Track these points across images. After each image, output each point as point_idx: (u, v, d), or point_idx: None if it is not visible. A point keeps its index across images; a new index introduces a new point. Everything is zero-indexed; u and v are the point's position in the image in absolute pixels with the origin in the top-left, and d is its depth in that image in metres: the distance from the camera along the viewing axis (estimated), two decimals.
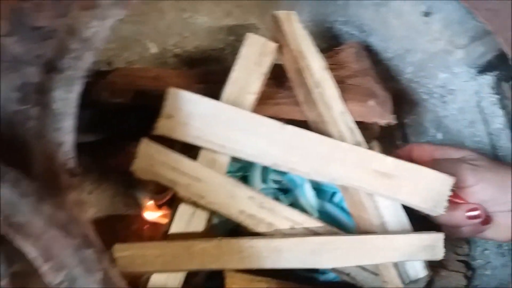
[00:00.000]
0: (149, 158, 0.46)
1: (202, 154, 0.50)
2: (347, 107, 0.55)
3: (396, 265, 0.48)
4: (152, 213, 0.59)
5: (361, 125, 0.57)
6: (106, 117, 0.64)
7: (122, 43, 0.67)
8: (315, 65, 0.56)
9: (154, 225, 0.60)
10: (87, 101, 0.59)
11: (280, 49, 0.58)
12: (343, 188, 0.52)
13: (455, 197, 0.52)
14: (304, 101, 0.57)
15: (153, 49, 0.70)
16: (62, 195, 0.34)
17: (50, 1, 0.38)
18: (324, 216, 0.55)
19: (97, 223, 0.61)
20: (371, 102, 0.58)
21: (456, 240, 0.51)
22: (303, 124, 0.54)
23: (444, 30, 0.68)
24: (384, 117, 0.57)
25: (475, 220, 0.51)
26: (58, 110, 0.37)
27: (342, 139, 0.52)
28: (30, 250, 0.31)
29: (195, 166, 0.47)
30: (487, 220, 0.52)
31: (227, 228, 0.53)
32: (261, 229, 0.47)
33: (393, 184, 0.49)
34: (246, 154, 0.50)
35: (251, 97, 0.53)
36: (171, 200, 0.59)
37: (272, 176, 0.57)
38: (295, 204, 0.55)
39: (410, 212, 0.51)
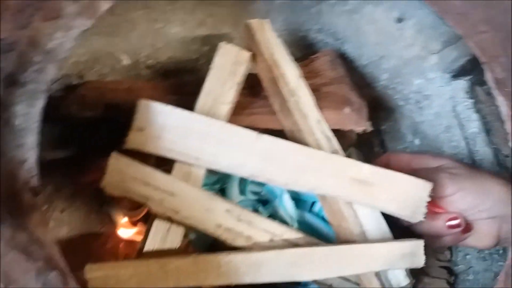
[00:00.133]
0: (120, 173, 0.44)
1: (177, 167, 0.49)
2: (323, 115, 0.55)
3: (378, 274, 0.47)
4: (127, 230, 0.57)
5: (338, 133, 0.56)
6: (78, 132, 0.62)
7: (93, 56, 0.66)
8: (290, 73, 0.55)
9: (130, 242, 0.58)
10: (56, 116, 0.58)
11: (254, 58, 0.57)
12: (321, 197, 0.51)
13: (435, 207, 0.52)
14: (280, 110, 0.56)
15: (126, 61, 0.68)
16: (24, 215, 0.32)
17: (9, 12, 0.36)
18: (304, 226, 0.54)
19: (70, 242, 0.59)
20: (347, 110, 0.57)
21: (439, 248, 0.51)
22: (279, 133, 0.53)
23: (418, 36, 0.69)
24: (360, 124, 0.57)
25: (456, 229, 0.51)
26: (19, 125, 0.35)
27: (319, 147, 0.51)
28: None
29: (168, 180, 0.46)
30: (467, 228, 0.52)
31: (205, 243, 0.52)
32: (239, 243, 0.45)
33: (371, 192, 0.48)
34: (222, 165, 0.48)
35: (226, 107, 0.52)
36: (146, 217, 0.57)
37: (251, 188, 0.56)
38: (274, 215, 0.54)
39: (393, 222, 0.51)
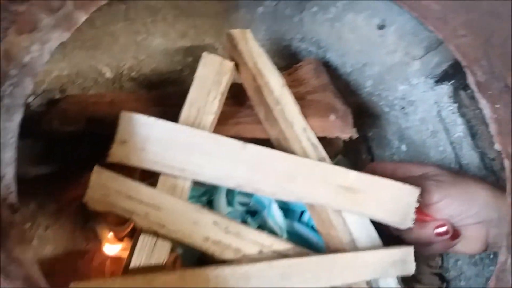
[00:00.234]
0: (103, 187, 0.43)
1: (162, 180, 0.48)
2: (309, 123, 0.54)
3: (369, 283, 0.47)
4: (113, 247, 0.56)
5: (325, 140, 0.56)
6: (60, 147, 0.61)
7: (75, 69, 0.65)
8: (274, 82, 0.55)
9: (116, 259, 0.56)
10: (38, 131, 0.57)
11: (237, 67, 0.57)
12: (309, 206, 0.51)
13: (422, 215, 0.51)
14: (265, 119, 0.55)
15: (108, 73, 0.67)
16: (2, 233, 0.31)
17: None
18: (293, 236, 0.53)
19: (55, 260, 0.57)
20: (332, 117, 0.57)
21: (429, 256, 0.50)
22: (265, 143, 0.52)
23: (400, 42, 0.69)
24: (346, 131, 0.56)
25: (444, 236, 0.51)
26: None
27: (305, 155, 0.51)
28: None
29: (153, 193, 0.45)
30: (455, 235, 0.52)
31: (193, 257, 0.51)
32: (228, 255, 0.44)
33: (359, 199, 0.47)
34: (208, 177, 0.48)
35: (210, 118, 0.51)
36: (132, 232, 0.56)
37: (239, 199, 0.55)
38: (263, 226, 0.53)
39: (382, 232, 0.50)
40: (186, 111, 0.51)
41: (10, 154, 0.34)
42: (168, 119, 0.49)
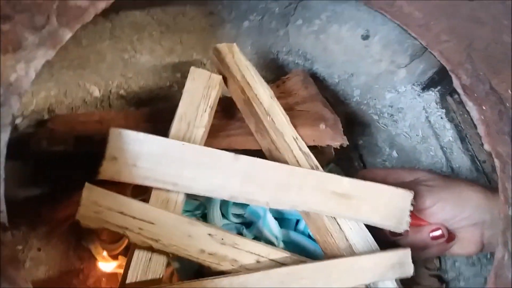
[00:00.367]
0: (94, 204, 0.42)
1: (154, 195, 0.47)
2: (299, 132, 0.55)
3: (369, 287, 0.46)
4: (108, 264, 0.55)
5: (316, 149, 0.56)
6: (51, 168, 0.60)
7: (63, 89, 0.64)
8: (263, 94, 0.55)
9: (112, 276, 0.55)
10: (27, 153, 0.56)
11: (226, 81, 0.57)
12: (304, 214, 0.50)
13: (416, 220, 0.52)
14: (256, 130, 0.55)
15: (96, 92, 0.67)
16: None
17: None
18: (290, 245, 0.53)
19: (50, 281, 0.56)
20: (322, 126, 0.57)
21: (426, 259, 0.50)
22: (257, 154, 0.52)
23: (384, 51, 0.70)
24: (336, 139, 0.57)
25: (439, 239, 0.51)
26: None
27: (297, 164, 0.51)
28: None
29: (145, 208, 0.44)
30: (450, 237, 0.52)
31: (190, 271, 0.50)
32: (225, 267, 0.44)
33: (353, 205, 0.47)
34: (201, 189, 0.47)
35: (201, 131, 0.51)
36: (127, 249, 0.55)
37: (233, 210, 0.55)
38: (259, 237, 0.52)
39: (377, 239, 0.50)
40: (176, 126, 0.51)
41: None
42: (158, 135, 0.49)
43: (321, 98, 0.63)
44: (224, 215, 0.54)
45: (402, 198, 0.48)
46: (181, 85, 0.70)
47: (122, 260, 0.54)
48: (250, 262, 0.45)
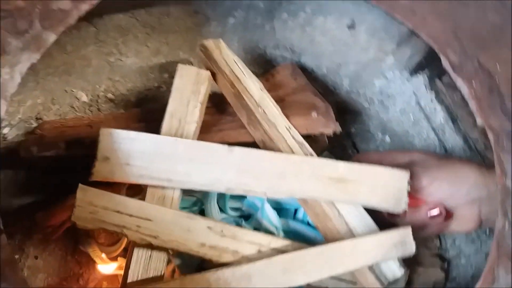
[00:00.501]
0: (90, 205, 0.42)
1: (150, 193, 0.47)
2: (291, 122, 0.54)
3: (372, 269, 0.46)
4: (108, 266, 0.54)
5: (309, 138, 0.56)
6: (43, 174, 0.59)
7: (50, 96, 0.64)
8: (252, 86, 0.55)
9: (113, 278, 0.55)
10: (18, 161, 0.55)
11: (214, 76, 0.57)
12: (302, 201, 0.50)
13: (414, 200, 0.52)
14: (248, 123, 0.55)
15: (84, 97, 0.66)
16: None
17: None
18: (290, 234, 0.52)
19: None
20: (314, 114, 0.57)
21: (426, 238, 0.50)
22: (251, 146, 0.52)
23: (371, 39, 0.70)
24: (329, 127, 0.57)
25: (438, 218, 0.51)
26: None
27: (292, 154, 0.50)
28: None
29: (142, 205, 0.44)
30: (448, 215, 0.52)
31: (191, 266, 0.50)
32: (226, 258, 0.43)
33: (350, 188, 0.47)
34: (196, 184, 0.47)
35: (193, 127, 0.51)
36: (125, 250, 0.54)
37: (230, 204, 0.54)
38: (258, 229, 0.52)
39: (376, 221, 0.50)
40: (168, 123, 0.51)
41: None
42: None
43: (311, 88, 0.63)
44: (221, 210, 0.53)
45: (398, 179, 0.48)
46: (170, 86, 0.70)
47: (121, 261, 0.54)
48: (251, 252, 0.44)
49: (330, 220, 0.48)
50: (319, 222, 0.49)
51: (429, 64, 0.70)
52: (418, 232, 0.52)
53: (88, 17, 0.61)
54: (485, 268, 0.34)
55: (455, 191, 0.52)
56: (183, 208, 0.52)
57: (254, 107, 0.54)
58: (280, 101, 0.58)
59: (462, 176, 0.52)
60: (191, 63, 0.71)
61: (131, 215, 0.43)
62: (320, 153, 0.61)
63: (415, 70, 0.71)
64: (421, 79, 0.71)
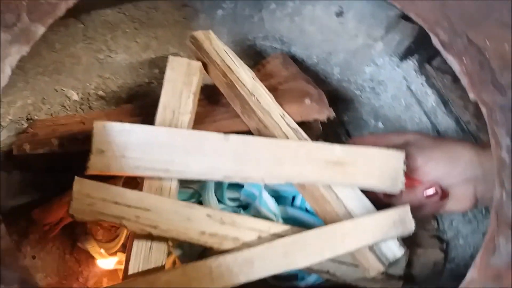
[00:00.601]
0: (87, 197, 0.41)
1: (147, 185, 0.46)
2: (285, 110, 0.54)
3: (372, 249, 0.46)
4: (107, 261, 0.54)
5: (303, 126, 0.56)
6: (38, 173, 0.58)
7: (40, 96, 0.63)
8: (244, 76, 0.55)
9: (113, 273, 0.54)
10: (11, 162, 0.55)
11: (206, 67, 0.57)
12: (300, 186, 0.50)
13: (410, 180, 0.52)
14: (242, 112, 0.55)
15: (75, 96, 0.66)
16: None
17: None
18: (289, 221, 0.52)
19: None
20: (307, 101, 0.57)
21: (423, 218, 0.50)
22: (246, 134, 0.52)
23: (360, 26, 0.71)
24: (322, 112, 0.57)
25: (434, 197, 0.51)
26: None
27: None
28: None
29: (140, 195, 0.43)
30: (444, 195, 0.52)
31: (192, 256, 0.49)
32: (227, 246, 0.43)
33: (347, 171, 0.47)
34: (194, 173, 0.47)
35: (187, 117, 0.51)
36: (124, 246, 0.54)
37: (228, 195, 0.54)
38: (257, 217, 0.52)
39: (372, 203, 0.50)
40: (161, 115, 0.51)
41: None
42: None
43: (303, 76, 0.63)
44: (219, 201, 0.53)
45: (394, 159, 0.48)
46: (160, 81, 0.69)
47: (121, 256, 0.53)
48: (251, 238, 0.44)
49: (329, 203, 0.48)
50: (318, 206, 0.49)
51: (418, 49, 0.71)
52: (415, 212, 0.52)
53: (76, 13, 0.61)
54: (485, 238, 0.35)
55: (450, 170, 0.52)
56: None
57: (248, 96, 0.54)
58: (272, 90, 0.58)
59: (456, 155, 0.52)
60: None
61: (129, 206, 0.42)
62: (314, 140, 0.61)
63: (405, 55, 0.72)
64: (410, 64, 0.71)
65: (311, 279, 0.52)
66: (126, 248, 0.48)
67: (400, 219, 0.46)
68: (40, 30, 0.42)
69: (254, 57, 0.75)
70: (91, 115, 0.59)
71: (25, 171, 0.56)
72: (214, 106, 0.59)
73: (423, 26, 0.51)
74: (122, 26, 0.66)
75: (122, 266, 0.49)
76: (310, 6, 0.71)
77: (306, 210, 0.54)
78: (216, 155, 0.47)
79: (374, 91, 0.73)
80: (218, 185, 0.53)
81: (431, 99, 0.69)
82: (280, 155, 0.47)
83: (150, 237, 0.43)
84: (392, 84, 0.72)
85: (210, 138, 0.47)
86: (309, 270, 0.48)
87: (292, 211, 0.53)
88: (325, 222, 0.48)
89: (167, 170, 0.46)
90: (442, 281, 0.59)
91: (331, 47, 0.74)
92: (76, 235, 0.55)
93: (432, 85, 0.70)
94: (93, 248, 0.54)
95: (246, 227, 0.44)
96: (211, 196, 0.52)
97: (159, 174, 0.46)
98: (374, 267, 0.45)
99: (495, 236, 0.34)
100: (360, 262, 0.46)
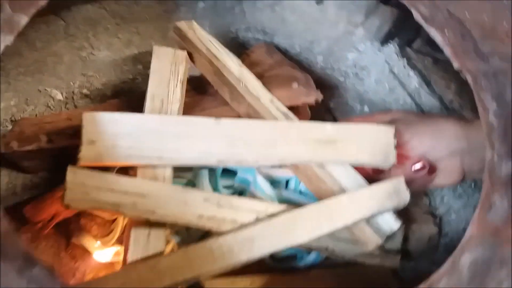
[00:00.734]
0: (81, 186, 0.41)
1: (140, 173, 0.46)
2: (274, 95, 0.55)
3: (369, 223, 0.46)
4: (104, 252, 0.53)
5: (292, 111, 0.56)
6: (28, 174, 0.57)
7: (23, 97, 0.62)
8: (231, 63, 0.55)
9: (111, 265, 0.53)
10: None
11: (191, 57, 0.57)
12: (294, 167, 0.50)
13: (398, 156, 0.52)
14: (231, 98, 0.55)
15: (58, 96, 0.65)
16: None
17: None
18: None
19: None
20: (295, 85, 0.58)
21: (415, 196, 0.51)
22: None
23: (340, 13, 0.71)
24: (310, 95, 0.57)
25: (422, 171, 0.52)
26: None
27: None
28: None
29: (136, 182, 0.43)
30: (432, 169, 0.53)
31: (192, 242, 0.49)
32: (226, 228, 0.43)
33: (339, 148, 0.48)
34: (187, 159, 0.46)
35: (176, 106, 0.51)
36: (119, 241, 0.53)
37: (222, 183, 0.54)
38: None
39: None
40: (150, 105, 0.50)
41: None
42: None
43: (288, 62, 0.64)
44: (214, 189, 0.53)
45: (384, 134, 0.49)
46: (145, 76, 0.69)
47: (118, 248, 0.52)
48: (249, 219, 0.44)
49: (323, 182, 0.48)
50: (313, 186, 0.49)
51: (398, 33, 0.72)
52: None
53: (56, 10, 0.60)
54: (481, 197, 0.36)
55: (436, 144, 0.53)
56: None
57: (236, 82, 0.54)
58: (259, 77, 0.58)
59: (442, 129, 0.53)
60: None
61: (126, 192, 0.42)
62: None
63: (385, 39, 0.73)
64: (392, 48, 0.73)
65: (310, 258, 0.52)
66: (122, 241, 0.47)
67: (395, 190, 0.46)
68: (23, 20, 0.41)
69: (237, 49, 0.75)
70: (77, 112, 0.58)
71: (14, 171, 0.55)
72: (202, 96, 0.59)
73: (404, 3, 0.52)
74: (104, 22, 0.65)
75: (120, 258, 0.48)
76: None
77: (300, 193, 0.54)
78: (208, 139, 0.47)
79: (357, 76, 0.74)
80: (212, 173, 0.53)
81: (414, 80, 0.70)
82: (272, 137, 0.47)
83: (148, 223, 0.42)
84: (375, 69, 0.73)
85: (201, 123, 0.47)
86: (308, 248, 0.48)
87: (287, 194, 0.53)
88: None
89: (160, 158, 0.46)
90: (437, 256, 0.60)
91: (313, 35, 0.74)
92: (70, 231, 0.54)
93: (414, 67, 0.71)
94: (89, 242, 0.53)
95: (244, 209, 0.44)
96: (205, 184, 0.51)
97: (153, 161, 0.46)
98: (372, 241, 0.46)
99: (490, 194, 0.35)
100: (358, 236, 0.46)
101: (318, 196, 0.49)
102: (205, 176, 0.52)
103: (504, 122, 0.39)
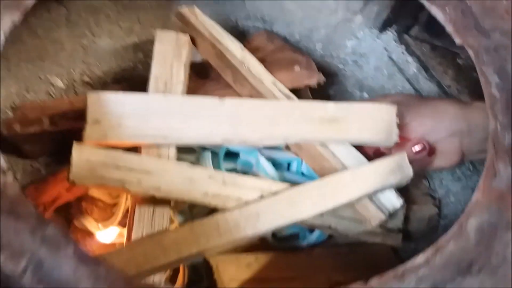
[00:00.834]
0: (87, 162, 0.41)
1: (145, 152, 0.46)
2: (276, 78, 0.55)
3: (372, 199, 0.47)
4: (107, 232, 0.53)
5: (295, 94, 0.57)
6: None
7: (23, 85, 0.62)
8: (233, 47, 0.56)
9: (114, 246, 0.53)
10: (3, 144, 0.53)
11: (193, 41, 0.57)
12: (297, 147, 0.50)
13: (399, 139, 0.53)
14: (234, 80, 0.55)
15: (59, 83, 0.65)
16: None
17: None
18: None
19: None
20: (296, 68, 0.58)
21: (415, 177, 0.52)
22: None
23: (339, 0, 0.72)
24: (312, 77, 0.58)
25: (422, 153, 0.53)
26: None
27: None
28: None
29: (141, 158, 0.43)
30: (432, 150, 0.53)
31: None
32: (230, 205, 0.43)
33: (342, 127, 0.48)
34: (191, 138, 0.47)
35: (179, 87, 0.51)
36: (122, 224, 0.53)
37: (225, 166, 0.54)
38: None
39: None
40: (153, 86, 0.50)
41: None
42: None
43: (289, 47, 0.64)
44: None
45: (386, 112, 0.49)
46: (145, 65, 0.69)
47: (121, 228, 0.52)
48: (254, 197, 0.44)
49: (327, 160, 0.48)
50: (316, 164, 0.49)
51: (396, 20, 0.73)
52: None
53: None
54: (486, 164, 0.36)
55: (436, 125, 0.53)
56: None
57: (239, 65, 0.54)
58: (261, 62, 0.59)
59: (442, 111, 0.54)
60: None
61: (131, 169, 0.42)
62: None
63: (384, 26, 0.73)
64: (390, 35, 0.73)
65: (313, 237, 0.53)
66: (124, 225, 0.47)
67: (398, 166, 0.47)
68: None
69: (237, 38, 0.75)
70: (79, 98, 0.58)
71: (16, 157, 0.55)
72: (205, 80, 0.59)
73: None
74: (105, 10, 0.65)
75: (123, 239, 0.48)
76: None
77: (303, 174, 0.54)
78: (213, 119, 0.47)
79: (356, 63, 0.75)
80: (214, 155, 0.53)
81: (412, 66, 0.71)
82: (275, 116, 0.48)
83: (152, 201, 0.43)
84: (374, 56, 0.74)
85: (205, 103, 0.47)
86: (311, 226, 0.48)
87: (290, 176, 0.53)
88: None
89: (165, 137, 0.46)
90: (437, 237, 0.60)
91: (312, 23, 0.75)
92: (71, 215, 0.54)
93: (412, 53, 0.72)
94: (91, 224, 0.53)
95: (248, 186, 0.45)
96: (208, 165, 0.52)
97: (157, 141, 0.46)
98: (375, 217, 0.46)
99: (495, 162, 0.36)
100: (361, 213, 0.47)
101: (321, 175, 0.49)
102: (208, 158, 0.53)
103: (506, 94, 0.39)
